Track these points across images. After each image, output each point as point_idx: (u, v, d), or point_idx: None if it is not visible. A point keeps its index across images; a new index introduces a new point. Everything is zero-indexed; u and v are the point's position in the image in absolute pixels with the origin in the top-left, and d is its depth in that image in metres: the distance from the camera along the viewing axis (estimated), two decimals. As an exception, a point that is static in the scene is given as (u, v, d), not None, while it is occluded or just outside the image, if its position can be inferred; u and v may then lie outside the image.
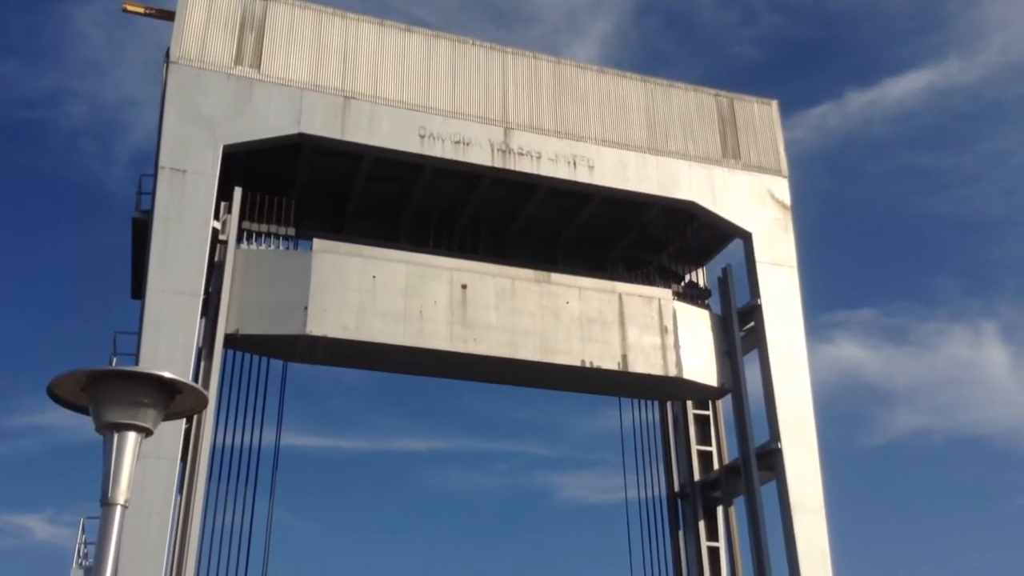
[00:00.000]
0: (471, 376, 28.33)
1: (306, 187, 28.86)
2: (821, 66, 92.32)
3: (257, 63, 26.57)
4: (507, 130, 28.09)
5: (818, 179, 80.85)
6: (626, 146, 29.23)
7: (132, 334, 24.34)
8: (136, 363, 22.77)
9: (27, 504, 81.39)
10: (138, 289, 26.08)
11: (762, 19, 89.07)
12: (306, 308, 24.91)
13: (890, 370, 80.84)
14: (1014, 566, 62.45)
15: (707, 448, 31.23)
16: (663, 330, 28.01)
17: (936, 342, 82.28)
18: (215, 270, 24.86)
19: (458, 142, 27.43)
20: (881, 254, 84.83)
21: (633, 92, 30.21)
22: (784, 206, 30.49)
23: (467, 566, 67.85)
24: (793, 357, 28.54)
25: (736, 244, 30.78)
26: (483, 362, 26.66)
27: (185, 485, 22.91)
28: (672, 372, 27.67)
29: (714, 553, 30.00)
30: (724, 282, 30.12)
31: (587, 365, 26.89)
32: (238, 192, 26.07)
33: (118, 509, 8.04)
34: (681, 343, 28.04)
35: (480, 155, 27.55)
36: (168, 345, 23.11)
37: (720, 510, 30.22)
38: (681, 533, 30.50)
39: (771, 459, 27.52)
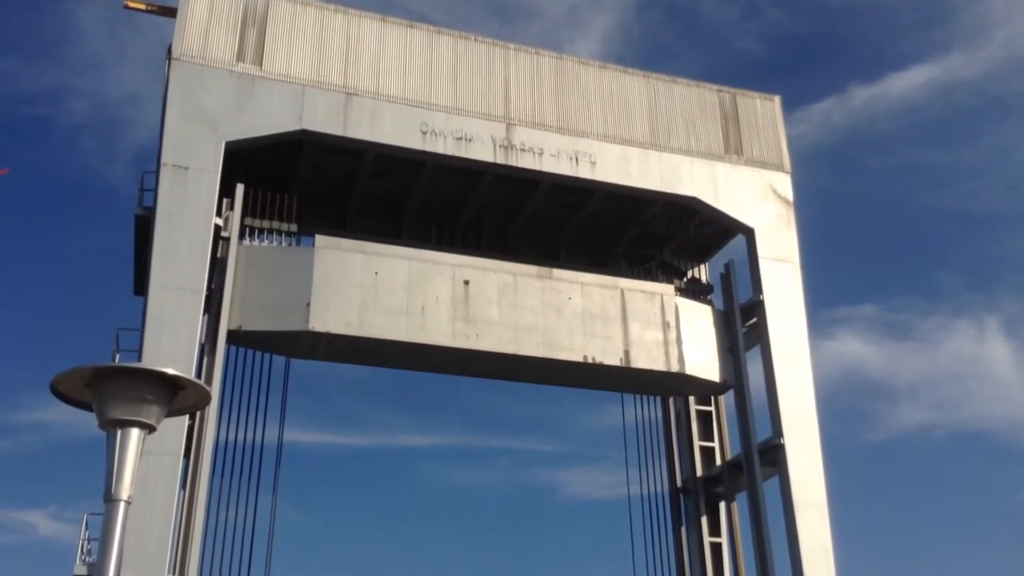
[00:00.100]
0: (473, 372, 28.35)
1: (308, 183, 28.86)
2: (824, 61, 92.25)
3: (259, 60, 26.57)
4: (509, 126, 28.09)
5: (821, 174, 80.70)
6: (628, 142, 29.23)
7: (135, 331, 24.36)
8: (139, 359, 22.78)
9: (30, 500, 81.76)
10: (141, 286, 26.15)
11: (765, 14, 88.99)
12: (308, 304, 24.94)
13: (893, 366, 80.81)
14: (1016, 562, 62.52)
15: (709, 444, 31.24)
16: (665, 326, 28.01)
17: (939, 337, 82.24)
18: (218, 266, 24.90)
19: (460, 138, 27.42)
20: (884, 249, 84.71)
21: (635, 88, 30.19)
22: (786, 202, 30.48)
23: (469, 562, 67.99)
24: (795, 353, 28.54)
25: (738, 240, 30.79)
26: (485, 358, 26.70)
27: (188, 481, 22.99)
28: (674, 368, 27.68)
29: (716, 549, 30.02)
30: (726, 278, 30.15)
31: (589, 361, 26.91)
32: (240, 189, 26.13)
33: (121, 505, 8.05)
34: (683, 339, 28.05)
35: (482, 151, 27.56)
36: (171, 341, 23.16)
37: (722, 506, 30.23)
38: (683, 529, 30.52)
39: (773, 455, 27.55)
